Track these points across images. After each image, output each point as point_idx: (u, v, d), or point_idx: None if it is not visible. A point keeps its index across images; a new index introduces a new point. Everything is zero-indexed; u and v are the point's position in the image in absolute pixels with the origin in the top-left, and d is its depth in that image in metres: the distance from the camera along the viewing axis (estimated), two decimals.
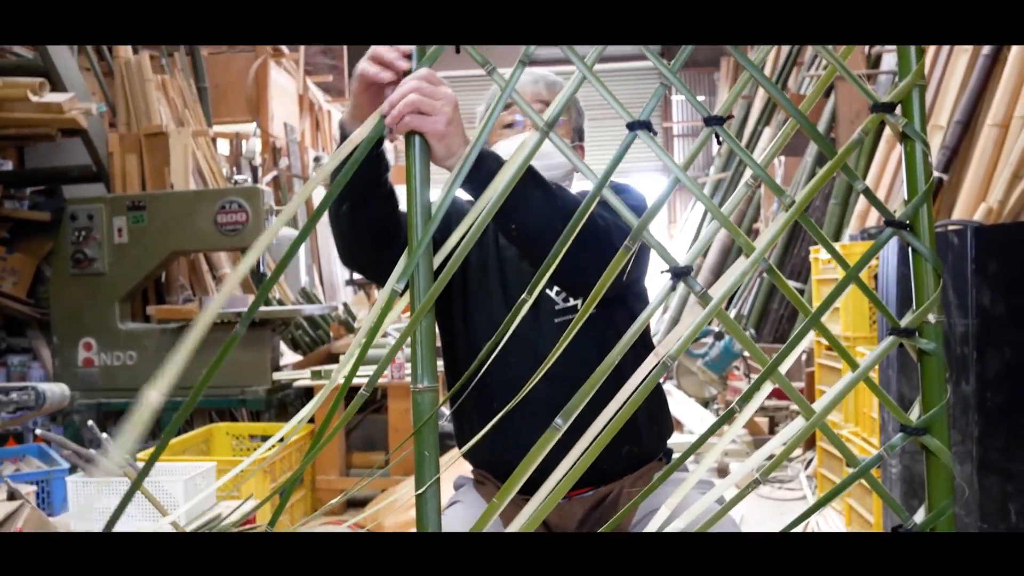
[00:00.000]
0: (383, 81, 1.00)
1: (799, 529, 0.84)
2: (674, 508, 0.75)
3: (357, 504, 3.60)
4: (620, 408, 0.72)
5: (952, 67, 3.82)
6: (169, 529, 0.89)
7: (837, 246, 3.46)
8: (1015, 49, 3.40)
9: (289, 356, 4.79)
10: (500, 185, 0.81)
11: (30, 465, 2.63)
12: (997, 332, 1.96)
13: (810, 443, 3.97)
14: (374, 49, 0.99)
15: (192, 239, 3.94)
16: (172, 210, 3.90)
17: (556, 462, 0.77)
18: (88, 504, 2.07)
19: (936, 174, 3.58)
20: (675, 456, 1.50)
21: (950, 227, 2.20)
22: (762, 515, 3.40)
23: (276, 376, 3.93)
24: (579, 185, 1.57)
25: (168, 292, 4.46)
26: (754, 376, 4.49)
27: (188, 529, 1.90)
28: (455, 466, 1.18)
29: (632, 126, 0.75)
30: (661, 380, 0.78)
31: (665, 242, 1.19)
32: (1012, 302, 1.94)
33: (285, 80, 6.73)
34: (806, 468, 3.86)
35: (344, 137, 1.12)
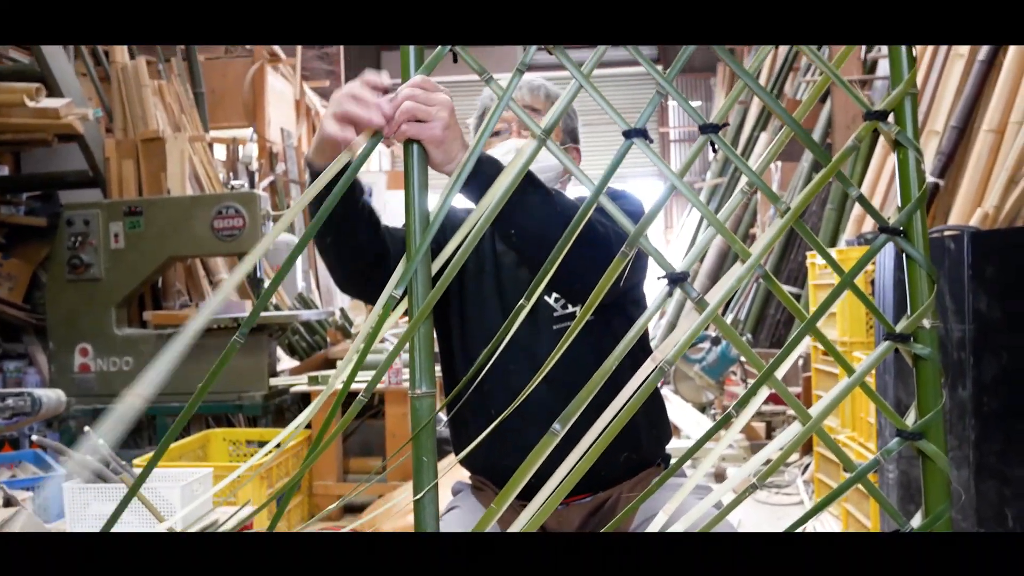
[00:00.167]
0: (348, 140, 0.96)
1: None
2: (672, 513, 0.76)
3: (354, 510, 3.60)
4: (618, 413, 0.72)
5: (948, 72, 3.83)
6: None
7: (833, 251, 3.47)
8: (1010, 55, 3.41)
9: (286, 361, 4.78)
10: (499, 190, 0.81)
11: (26, 471, 2.62)
12: (994, 337, 1.97)
13: (807, 448, 3.97)
14: (342, 110, 0.96)
15: (189, 244, 3.93)
16: (168, 215, 3.90)
17: (554, 467, 0.77)
18: (84, 510, 2.06)
19: (932, 179, 3.59)
20: (673, 461, 1.51)
21: (947, 232, 2.21)
22: (759, 520, 3.40)
23: (273, 381, 3.93)
24: (573, 188, 1.58)
25: (165, 298, 4.45)
26: (751, 381, 4.50)
27: None
28: (453, 471, 1.18)
29: (628, 134, 0.76)
30: (659, 385, 0.78)
31: (661, 248, 1.19)
32: (1008, 307, 1.95)
33: (282, 85, 6.74)
34: (803, 473, 3.86)
35: (313, 174, 1.11)
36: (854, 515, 2.96)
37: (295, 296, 5.75)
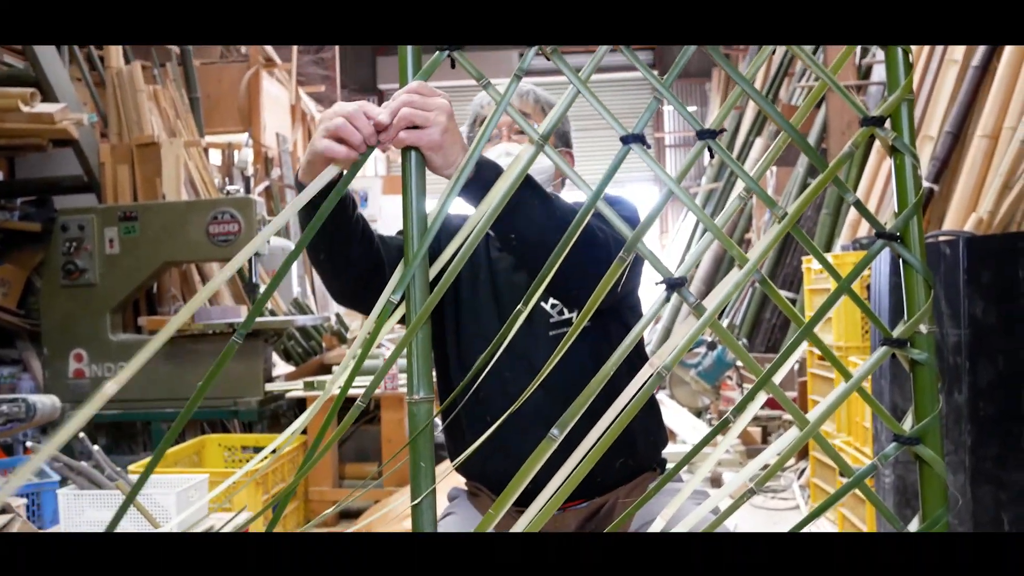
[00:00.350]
0: (346, 158, 0.96)
1: None
2: (670, 518, 0.76)
3: (350, 515, 3.59)
4: (615, 419, 0.72)
5: (942, 78, 3.85)
6: None
7: (829, 256, 3.47)
8: (1004, 61, 3.43)
9: (282, 367, 4.77)
10: (497, 195, 0.81)
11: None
12: (989, 342, 1.98)
13: (803, 453, 3.98)
14: (338, 130, 0.95)
15: (184, 250, 3.93)
16: (164, 221, 3.89)
17: (550, 474, 0.77)
18: (79, 516, 2.06)
19: (927, 184, 3.61)
20: (669, 466, 1.51)
21: (942, 238, 2.22)
22: (756, 525, 3.40)
23: (268, 387, 3.92)
24: (566, 192, 1.58)
25: (160, 303, 4.44)
26: (747, 386, 4.49)
27: None
28: (448, 477, 1.19)
29: (626, 139, 0.76)
30: (654, 390, 0.78)
31: (657, 252, 1.19)
32: (1004, 312, 1.96)
33: (277, 90, 6.74)
34: (799, 478, 3.86)
35: (300, 191, 1.11)
36: (850, 519, 2.96)
37: (291, 301, 5.75)
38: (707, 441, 0.74)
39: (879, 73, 5.09)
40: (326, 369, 4.50)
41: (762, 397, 0.75)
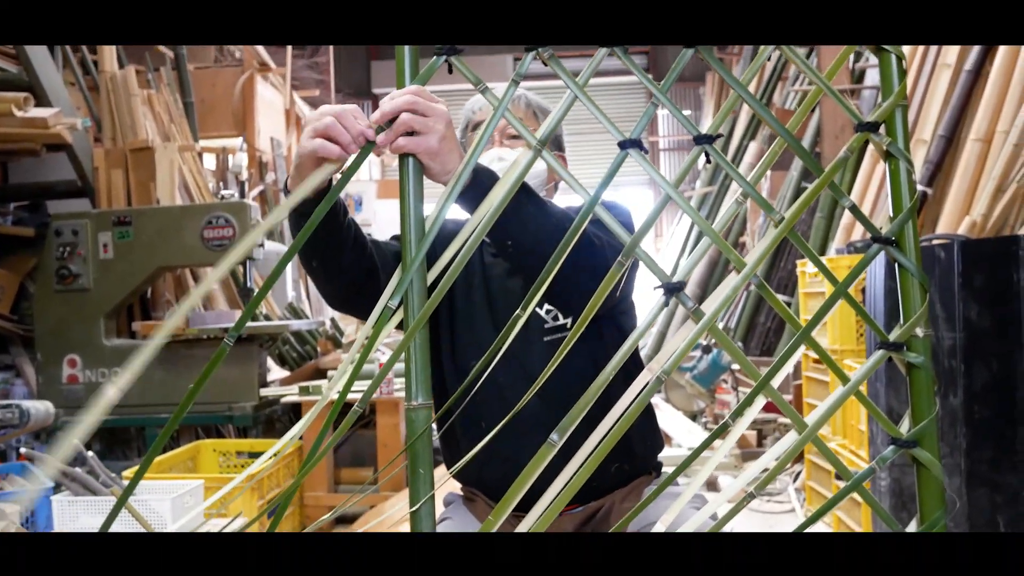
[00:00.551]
0: (337, 158, 0.96)
1: None
2: (669, 523, 0.76)
3: (346, 520, 3.58)
4: (614, 425, 0.72)
5: (935, 82, 3.86)
6: None
7: (823, 260, 3.47)
8: (996, 65, 3.45)
9: (276, 372, 4.76)
10: (495, 200, 0.81)
11: (14, 484, 2.60)
12: (984, 345, 1.98)
13: (798, 456, 3.98)
14: (327, 129, 0.95)
15: (178, 255, 3.92)
16: (158, 225, 3.89)
17: (548, 479, 0.77)
18: (73, 523, 2.05)
19: (920, 188, 3.62)
20: (665, 470, 1.51)
21: (936, 241, 2.22)
22: (751, 528, 3.41)
23: (263, 392, 3.91)
24: (559, 197, 1.58)
25: (154, 308, 4.43)
26: (743, 389, 4.48)
27: None
28: (445, 480, 1.19)
29: (624, 144, 0.76)
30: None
31: (652, 257, 1.18)
32: (998, 315, 1.96)
33: (272, 94, 6.73)
34: (794, 481, 3.87)
35: (295, 207, 1.11)
36: (845, 522, 2.97)
37: (285, 306, 5.74)
38: (706, 445, 0.74)
39: (872, 77, 5.11)
40: (321, 374, 4.49)
41: (761, 401, 0.75)
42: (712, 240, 0.74)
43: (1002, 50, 3.43)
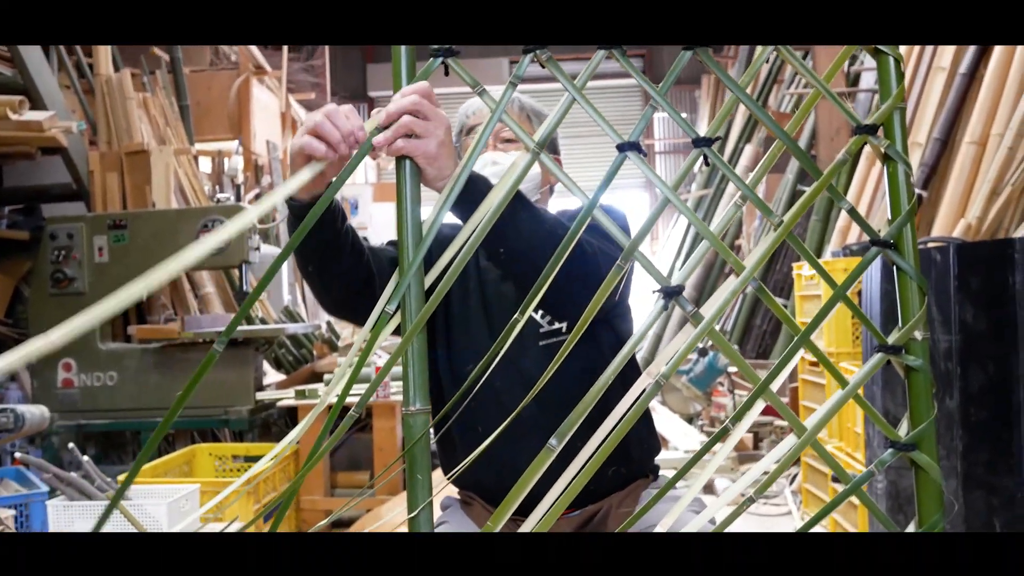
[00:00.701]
0: (324, 156, 0.96)
1: None
2: (669, 527, 0.75)
3: (342, 524, 3.57)
4: (613, 429, 0.72)
5: (930, 85, 3.87)
6: None
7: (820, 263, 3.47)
8: (991, 68, 3.46)
9: (272, 375, 4.75)
10: (490, 208, 0.81)
11: (8, 488, 2.58)
12: (980, 347, 1.98)
13: (795, 459, 3.98)
14: (316, 127, 0.96)
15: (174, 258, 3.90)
16: (154, 229, 3.87)
17: (545, 483, 0.77)
18: (68, 527, 2.04)
19: (915, 191, 3.63)
20: (662, 473, 1.51)
21: (932, 244, 2.23)
22: (748, 530, 3.40)
23: (259, 396, 3.90)
24: (554, 199, 1.58)
25: (149, 312, 4.42)
26: (739, 392, 4.48)
27: None
28: (440, 484, 1.18)
29: (622, 147, 0.76)
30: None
31: (649, 260, 1.18)
32: (993, 318, 1.96)
33: (267, 98, 6.72)
34: (791, 483, 3.87)
35: (292, 210, 1.11)
36: (842, 524, 2.97)
37: (281, 310, 5.72)
38: (707, 449, 0.74)
39: (867, 80, 5.12)
40: (317, 377, 4.48)
41: (761, 405, 0.75)
42: (711, 243, 0.74)
43: (996, 53, 3.45)
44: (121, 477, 2.57)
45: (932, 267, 2.04)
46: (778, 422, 4.52)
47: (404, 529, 0.78)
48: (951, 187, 3.46)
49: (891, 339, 0.81)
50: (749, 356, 6.02)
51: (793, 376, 3.92)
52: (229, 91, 6.21)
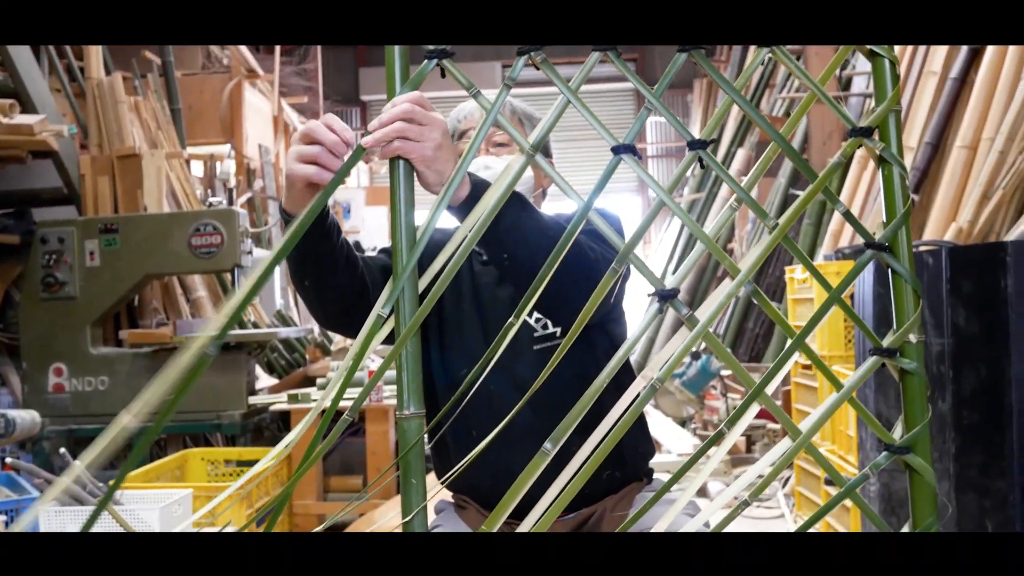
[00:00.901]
0: (313, 179, 1.00)
1: None
2: (664, 531, 0.75)
3: (335, 529, 3.56)
4: (608, 433, 0.72)
5: (921, 90, 3.89)
6: None
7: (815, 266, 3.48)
8: (981, 73, 3.47)
9: (265, 380, 4.74)
10: (486, 207, 0.81)
11: None
12: (972, 350, 1.99)
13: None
14: (302, 151, 0.98)
15: (166, 262, 3.89)
16: (145, 233, 3.86)
17: (540, 487, 0.77)
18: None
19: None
20: (656, 476, 1.51)
21: (924, 247, 2.23)
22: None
23: (252, 400, 3.88)
24: (547, 202, 1.58)
25: (141, 316, 4.40)
26: (732, 395, 4.47)
27: None
28: (434, 488, 1.18)
29: (617, 150, 0.76)
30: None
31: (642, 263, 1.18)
32: (986, 320, 1.97)
33: (259, 101, 6.71)
34: (783, 486, 3.87)
35: (286, 221, 1.12)
36: (834, 527, 2.97)
37: (273, 314, 5.71)
38: (703, 452, 0.74)
39: (859, 85, 5.14)
40: (310, 381, 4.47)
41: (755, 408, 0.75)
42: (706, 246, 0.74)
43: (987, 58, 3.46)
44: (112, 481, 2.55)
45: (924, 270, 2.05)
46: (771, 425, 4.53)
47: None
48: (942, 191, 3.48)
49: (885, 342, 0.81)
50: (742, 359, 6.04)
51: (786, 380, 3.92)
52: (221, 95, 6.20)
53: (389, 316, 0.80)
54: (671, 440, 4.68)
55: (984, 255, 2.02)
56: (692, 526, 0.76)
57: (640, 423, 1.48)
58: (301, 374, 4.65)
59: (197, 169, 5.79)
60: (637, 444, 1.44)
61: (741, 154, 7.35)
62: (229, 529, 2.14)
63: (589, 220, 0.78)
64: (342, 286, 1.25)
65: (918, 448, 0.81)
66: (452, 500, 1.51)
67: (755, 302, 0.80)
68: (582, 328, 0.79)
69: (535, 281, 0.78)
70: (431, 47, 0.81)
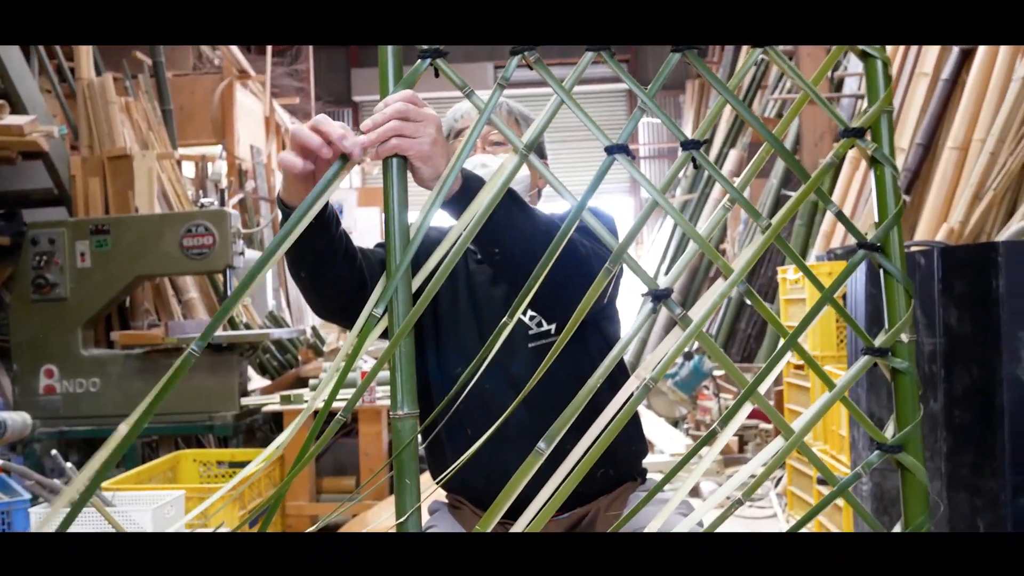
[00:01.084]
0: (304, 170, 1.00)
1: None
2: (657, 531, 0.75)
3: (328, 530, 3.55)
4: (602, 432, 0.72)
5: (912, 91, 3.91)
6: None
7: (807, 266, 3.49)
8: (972, 74, 3.49)
9: (257, 381, 4.72)
10: (481, 206, 0.81)
11: None
12: (964, 350, 2.00)
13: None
14: (298, 137, 0.98)
15: (157, 263, 3.87)
16: (137, 234, 3.84)
17: (534, 486, 0.77)
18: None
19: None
20: (649, 476, 1.51)
21: (916, 248, 2.24)
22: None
23: (244, 401, 3.87)
24: (542, 203, 1.58)
25: (132, 317, 4.38)
26: (724, 395, 4.48)
27: None
28: (428, 488, 1.18)
29: (610, 150, 0.76)
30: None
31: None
32: (977, 320, 1.98)
33: (251, 102, 6.70)
34: (776, 486, 3.88)
35: (284, 212, 1.12)
36: (826, 527, 2.98)
37: (266, 315, 5.70)
38: (695, 452, 0.74)
39: (851, 86, 5.16)
40: (302, 382, 4.46)
41: (748, 408, 0.75)
42: (699, 246, 0.74)
43: (978, 59, 3.48)
44: (106, 484, 2.54)
45: (916, 271, 2.06)
46: (763, 425, 4.54)
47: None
48: (934, 192, 3.49)
49: (877, 342, 0.81)
50: (734, 360, 6.05)
51: (778, 380, 3.93)
52: (212, 95, 6.18)
53: (383, 316, 0.79)
54: (664, 440, 4.68)
55: (975, 255, 2.03)
56: (685, 526, 0.76)
57: (634, 422, 1.48)
58: (293, 375, 4.64)
59: (188, 170, 5.77)
60: (631, 443, 1.45)
61: (734, 155, 7.36)
62: (223, 530, 2.13)
63: (582, 220, 0.78)
64: (341, 278, 1.24)
65: (910, 447, 0.81)
66: (446, 500, 1.51)
67: (747, 302, 0.81)
68: (577, 326, 0.79)
69: (530, 279, 0.78)
70: (424, 47, 0.81)
